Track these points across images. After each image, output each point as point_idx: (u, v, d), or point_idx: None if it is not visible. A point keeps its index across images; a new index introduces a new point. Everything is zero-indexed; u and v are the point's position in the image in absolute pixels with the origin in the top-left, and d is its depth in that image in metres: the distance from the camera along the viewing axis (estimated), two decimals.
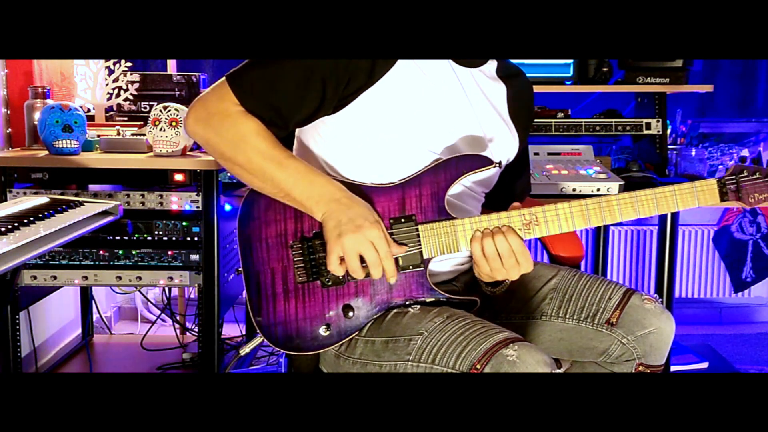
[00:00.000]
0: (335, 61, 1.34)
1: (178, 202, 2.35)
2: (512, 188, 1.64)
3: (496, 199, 1.59)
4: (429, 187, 1.40)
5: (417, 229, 1.39)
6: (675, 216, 2.59)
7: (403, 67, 1.39)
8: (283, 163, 1.35)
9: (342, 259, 1.33)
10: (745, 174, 1.41)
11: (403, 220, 1.39)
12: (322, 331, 1.40)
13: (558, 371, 1.23)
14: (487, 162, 1.41)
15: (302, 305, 1.40)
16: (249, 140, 1.34)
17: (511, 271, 1.37)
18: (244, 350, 1.53)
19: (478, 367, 1.23)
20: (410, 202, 1.40)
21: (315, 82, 1.35)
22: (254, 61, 1.37)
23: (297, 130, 1.51)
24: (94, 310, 3.13)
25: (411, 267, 1.39)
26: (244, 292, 1.43)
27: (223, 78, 1.36)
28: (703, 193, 1.40)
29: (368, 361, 1.37)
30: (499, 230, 1.36)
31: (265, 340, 1.42)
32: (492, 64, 1.52)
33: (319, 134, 1.45)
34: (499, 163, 1.50)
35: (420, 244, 1.39)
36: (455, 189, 1.43)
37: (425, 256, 1.39)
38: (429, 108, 1.41)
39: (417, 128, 1.41)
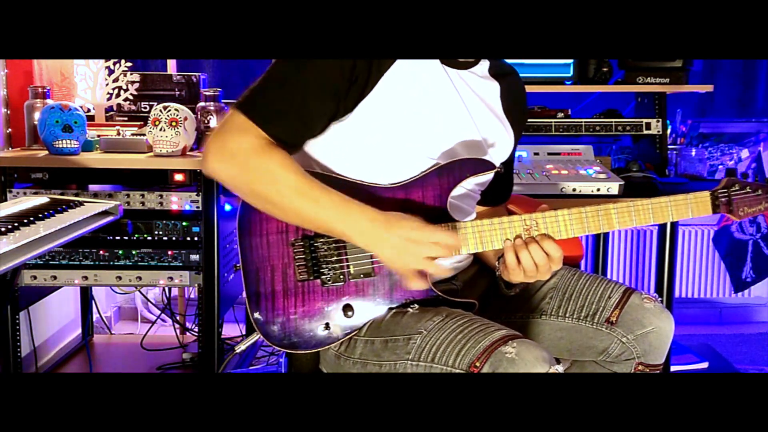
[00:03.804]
0: (341, 66, 1.32)
1: (178, 202, 2.36)
2: (500, 187, 1.65)
3: (484, 198, 1.59)
4: (432, 190, 1.40)
5: None
6: None
7: (396, 71, 1.38)
8: (317, 198, 1.31)
9: (422, 273, 1.32)
10: (737, 188, 1.46)
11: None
12: (321, 329, 1.40)
13: (557, 367, 1.22)
14: (490, 166, 1.42)
15: (302, 303, 1.40)
16: (279, 176, 1.30)
17: (544, 275, 1.38)
18: (240, 347, 1.53)
19: (478, 364, 1.23)
20: (412, 205, 1.40)
21: (329, 90, 1.33)
22: (262, 84, 1.33)
23: None
24: (94, 310, 3.13)
25: None
26: (244, 292, 1.43)
27: (233, 109, 1.32)
28: (696, 204, 1.44)
29: (368, 361, 1.37)
30: (533, 240, 1.35)
31: (262, 337, 1.42)
32: (484, 64, 1.51)
33: (317, 139, 1.44)
34: (501, 166, 1.50)
35: None
36: (456, 191, 1.43)
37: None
38: (424, 112, 1.40)
39: (413, 133, 1.40)
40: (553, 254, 1.35)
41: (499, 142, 1.52)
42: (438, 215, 1.39)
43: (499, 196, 1.66)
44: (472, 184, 1.48)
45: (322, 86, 1.33)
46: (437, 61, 1.43)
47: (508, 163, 1.64)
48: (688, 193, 1.44)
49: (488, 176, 1.49)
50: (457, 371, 1.25)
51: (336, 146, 1.42)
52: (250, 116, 1.30)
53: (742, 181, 1.46)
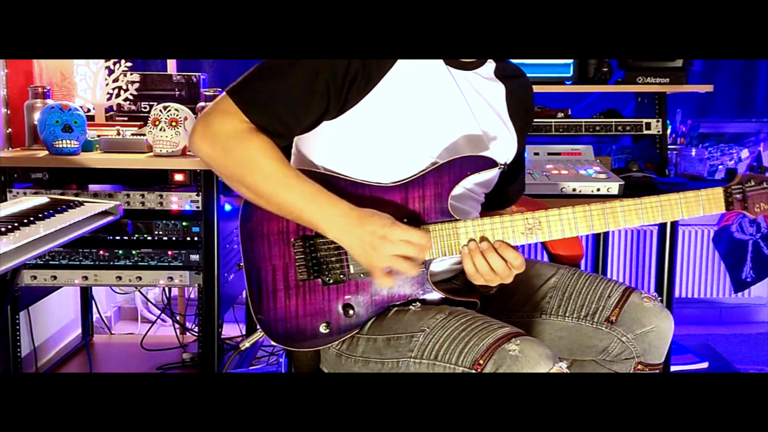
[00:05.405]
0: (334, 65, 1.33)
1: (178, 202, 2.35)
2: (507, 191, 1.64)
3: (491, 202, 1.59)
4: (432, 188, 1.40)
5: None
6: None
7: (399, 70, 1.39)
8: (290, 185, 1.32)
9: (391, 271, 1.32)
10: (752, 183, 1.40)
11: (405, 221, 1.38)
12: (322, 329, 1.40)
13: (561, 364, 1.22)
14: (491, 163, 1.41)
15: (303, 303, 1.40)
16: (256, 162, 1.31)
17: (505, 280, 1.37)
18: (245, 344, 1.53)
19: (481, 362, 1.23)
20: (413, 203, 1.39)
21: (319, 88, 1.33)
22: (254, 73, 1.35)
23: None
24: (94, 310, 3.13)
25: None
26: (245, 292, 1.43)
27: (224, 93, 1.34)
28: (708, 201, 1.39)
29: (370, 359, 1.37)
30: (491, 247, 1.35)
31: (265, 336, 1.42)
32: (489, 66, 1.52)
33: (318, 139, 1.44)
34: (505, 164, 1.49)
35: None
36: (456, 191, 1.42)
37: (427, 258, 1.39)
38: (427, 112, 1.41)
39: (415, 133, 1.40)
40: (513, 261, 1.34)
41: (501, 143, 1.51)
42: (439, 213, 1.39)
43: (507, 199, 1.65)
44: (473, 183, 1.48)
45: (311, 83, 1.33)
46: (441, 62, 1.43)
47: (517, 165, 1.63)
48: (699, 190, 1.39)
49: (490, 175, 1.48)
50: (461, 369, 1.25)
51: (337, 145, 1.42)
52: (236, 101, 1.32)
53: (758, 175, 1.40)
